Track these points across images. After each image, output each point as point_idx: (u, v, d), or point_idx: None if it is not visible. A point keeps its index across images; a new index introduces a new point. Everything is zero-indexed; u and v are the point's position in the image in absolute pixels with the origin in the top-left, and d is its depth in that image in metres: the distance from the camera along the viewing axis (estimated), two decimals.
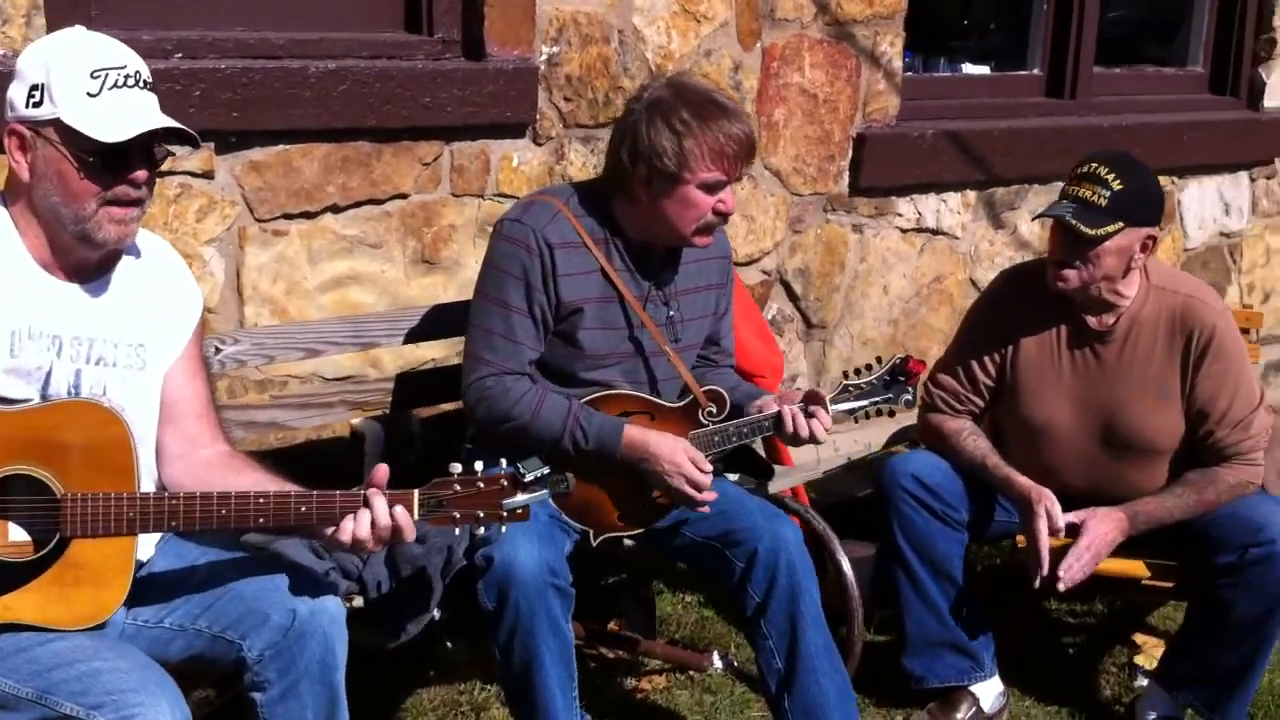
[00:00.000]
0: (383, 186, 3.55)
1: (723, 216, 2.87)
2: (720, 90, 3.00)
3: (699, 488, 2.80)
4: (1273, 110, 5.52)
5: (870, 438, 4.08)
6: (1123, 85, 5.29)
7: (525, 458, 2.32)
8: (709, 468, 2.82)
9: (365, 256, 3.55)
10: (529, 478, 2.30)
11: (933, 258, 4.68)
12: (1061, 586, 3.12)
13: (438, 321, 3.26)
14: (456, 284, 3.69)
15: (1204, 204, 5.44)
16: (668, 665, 3.48)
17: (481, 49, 3.62)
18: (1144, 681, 3.48)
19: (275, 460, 2.53)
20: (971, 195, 4.72)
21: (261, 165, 3.35)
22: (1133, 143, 4.55)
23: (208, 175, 3.28)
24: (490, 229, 3.68)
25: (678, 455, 2.80)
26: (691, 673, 3.44)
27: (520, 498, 2.30)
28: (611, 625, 3.56)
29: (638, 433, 2.81)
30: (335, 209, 3.48)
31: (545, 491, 2.33)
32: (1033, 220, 4.87)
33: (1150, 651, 3.60)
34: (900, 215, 4.56)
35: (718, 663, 3.47)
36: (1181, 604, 3.66)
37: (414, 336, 3.24)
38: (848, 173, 4.39)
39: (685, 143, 2.75)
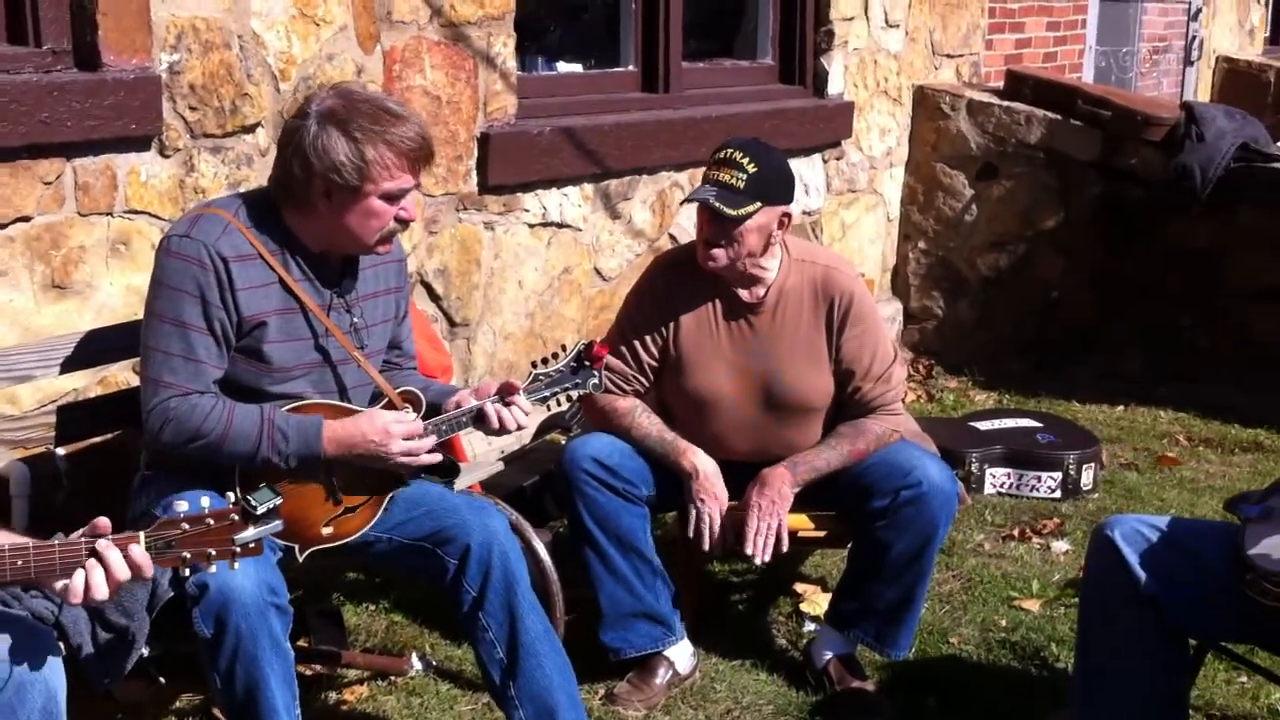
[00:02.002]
0: (3, 210, 3.29)
1: (404, 224, 2.86)
2: (390, 95, 2.99)
3: (417, 452, 2.80)
4: (835, 97, 6.04)
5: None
6: (707, 79, 5.62)
7: (252, 486, 2.25)
8: (413, 416, 2.82)
9: None
10: (260, 510, 2.24)
11: (560, 250, 4.83)
12: (759, 561, 3.34)
13: (92, 348, 3.08)
14: (92, 308, 3.48)
15: None
16: (366, 674, 3.43)
17: (96, 59, 3.42)
18: (812, 626, 3.75)
19: None
20: (589, 188, 4.90)
21: None
22: (723, 132, 4.84)
23: None
24: (122, 248, 3.53)
25: (377, 422, 2.78)
26: (392, 678, 3.41)
27: (251, 532, 2.23)
28: (301, 642, 3.46)
29: (337, 422, 2.77)
30: None
31: (278, 523, 2.27)
32: (680, 205, 5.13)
33: (811, 598, 3.88)
34: (527, 211, 4.67)
35: (417, 664, 3.45)
36: (831, 551, 4.01)
37: (70, 365, 3.04)
38: (475, 172, 4.46)
39: (366, 153, 2.72)
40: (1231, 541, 2.89)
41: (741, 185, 3.30)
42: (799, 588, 3.97)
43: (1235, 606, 2.83)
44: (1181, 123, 5.93)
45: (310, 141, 2.73)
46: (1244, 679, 3.51)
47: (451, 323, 4.48)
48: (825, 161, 6.09)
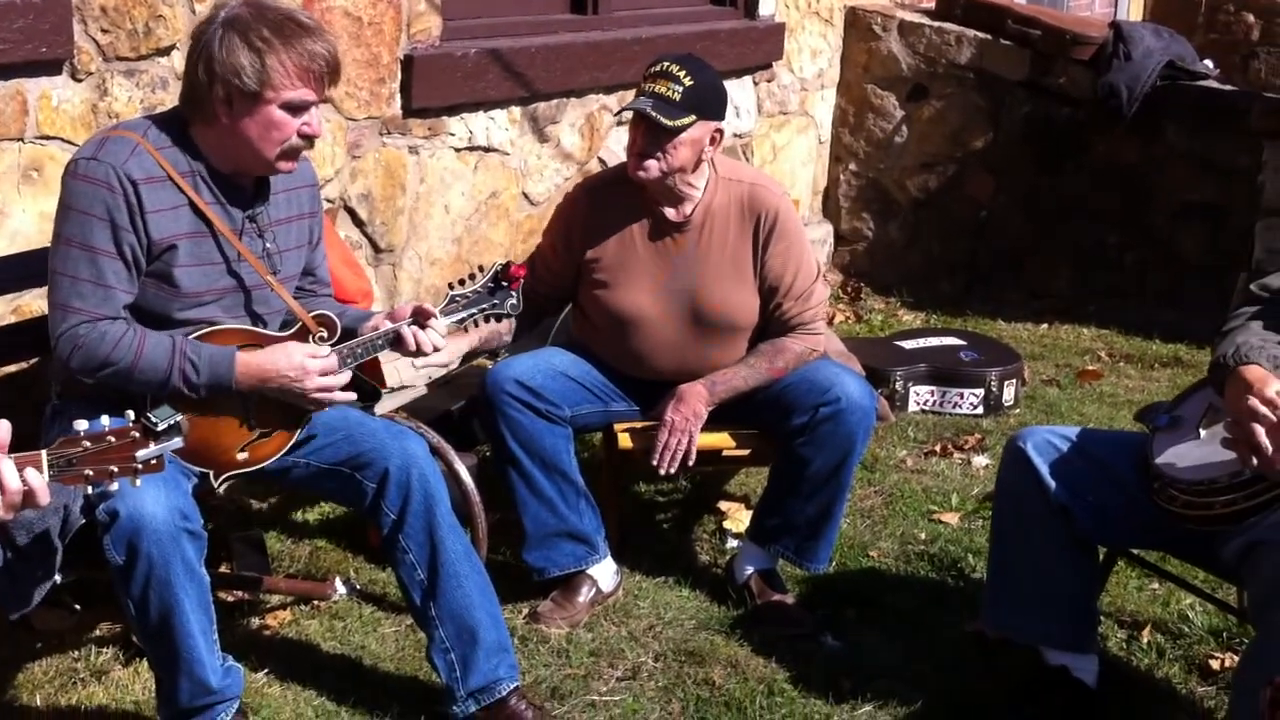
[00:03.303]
0: None
1: (308, 140, 2.82)
2: (302, 9, 2.95)
3: (331, 388, 2.80)
4: (766, 19, 6.01)
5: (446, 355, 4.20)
6: (636, 0, 5.57)
7: (154, 407, 2.24)
8: (329, 351, 2.82)
9: None
10: (161, 426, 2.22)
11: (487, 174, 4.80)
12: (664, 472, 3.39)
13: (3, 275, 3.06)
14: (4, 235, 3.43)
15: None
16: (290, 599, 3.45)
17: None
18: (734, 543, 3.80)
19: None
20: (516, 111, 4.86)
21: None
22: (652, 54, 4.76)
23: None
24: (34, 174, 3.48)
25: (294, 358, 2.77)
26: (316, 603, 3.43)
27: (152, 448, 2.21)
28: (223, 569, 3.48)
29: (250, 355, 2.76)
30: None
31: (179, 440, 2.25)
32: (615, 115, 5.09)
33: (734, 515, 3.93)
34: (453, 135, 4.63)
35: (341, 589, 3.47)
36: (754, 470, 4.05)
37: None
38: (399, 95, 4.41)
39: (267, 59, 2.68)
40: (1140, 451, 2.96)
41: (677, 97, 3.31)
42: (722, 505, 4.02)
43: (1143, 514, 2.91)
44: (1109, 42, 5.96)
45: (214, 46, 2.70)
46: (1155, 585, 3.60)
47: (376, 249, 4.45)
48: (756, 84, 6.07)
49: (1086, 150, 6.10)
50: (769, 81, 6.13)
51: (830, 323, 5.58)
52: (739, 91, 5.93)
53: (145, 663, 2.94)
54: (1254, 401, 2.64)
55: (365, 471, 2.92)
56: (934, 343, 5.18)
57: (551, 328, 4.14)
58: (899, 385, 4.89)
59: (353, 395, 2.88)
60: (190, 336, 2.77)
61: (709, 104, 3.36)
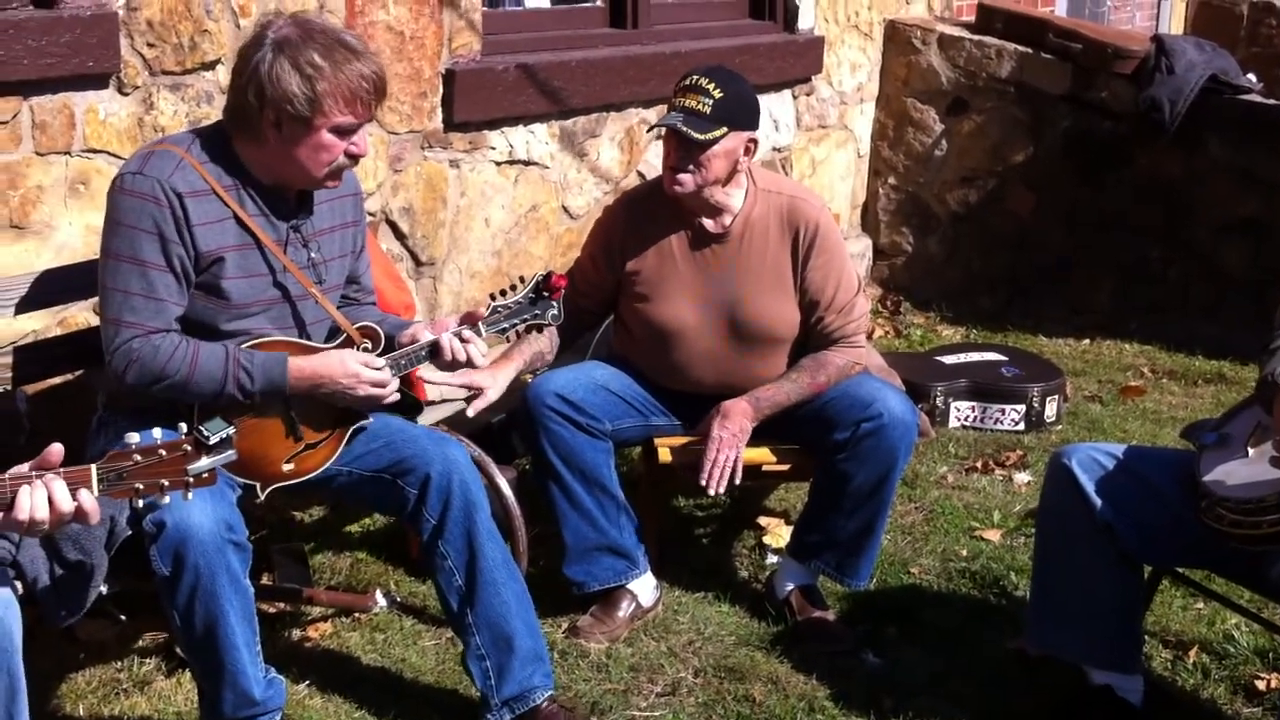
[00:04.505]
0: None
1: (354, 159, 2.85)
2: (348, 29, 2.96)
3: (382, 386, 2.83)
4: (805, 32, 6.00)
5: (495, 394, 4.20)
6: (676, 14, 5.58)
7: (207, 419, 2.25)
8: (383, 363, 2.84)
9: None
10: (213, 440, 2.23)
11: (527, 188, 4.81)
12: (713, 493, 3.38)
13: (49, 288, 3.08)
14: (51, 248, 3.47)
15: None
16: (331, 611, 3.46)
17: None
18: (773, 559, 3.79)
19: None
20: (556, 126, 4.87)
21: None
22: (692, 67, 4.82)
23: None
24: (81, 188, 3.52)
25: (349, 365, 2.80)
26: (357, 615, 3.44)
27: (204, 461, 2.22)
28: (265, 580, 3.49)
29: (304, 360, 2.79)
30: None
31: (231, 453, 2.26)
32: (647, 132, 5.11)
33: (774, 531, 3.92)
34: (494, 149, 4.65)
35: (381, 601, 3.48)
36: (794, 485, 4.04)
37: (26, 305, 3.04)
38: (440, 109, 4.43)
39: (318, 86, 2.70)
40: (1186, 469, 2.93)
41: (708, 111, 3.31)
42: (762, 521, 4.00)
43: (1189, 532, 2.88)
44: (1151, 55, 5.91)
45: (264, 70, 2.72)
46: (1200, 605, 3.56)
47: (417, 261, 4.47)
48: (795, 97, 6.06)
49: (1128, 164, 6.05)
50: (808, 95, 6.12)
51: (870, 337, 5.55)
52: (778, 105, 5.93)
53: (188, 674, 2.96)
54: None
55: (407, 478, 2.93)
56: (975, 358, 5.15)
57: (591, 342, 4.15)
58: (940, 401, 4.86)
59: (398, 396, 2.90)
60: (242, 346, 2.79)
61: (740, 115, 3.36)
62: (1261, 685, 3.23)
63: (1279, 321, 2.94)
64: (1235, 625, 3.46)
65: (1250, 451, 2.85)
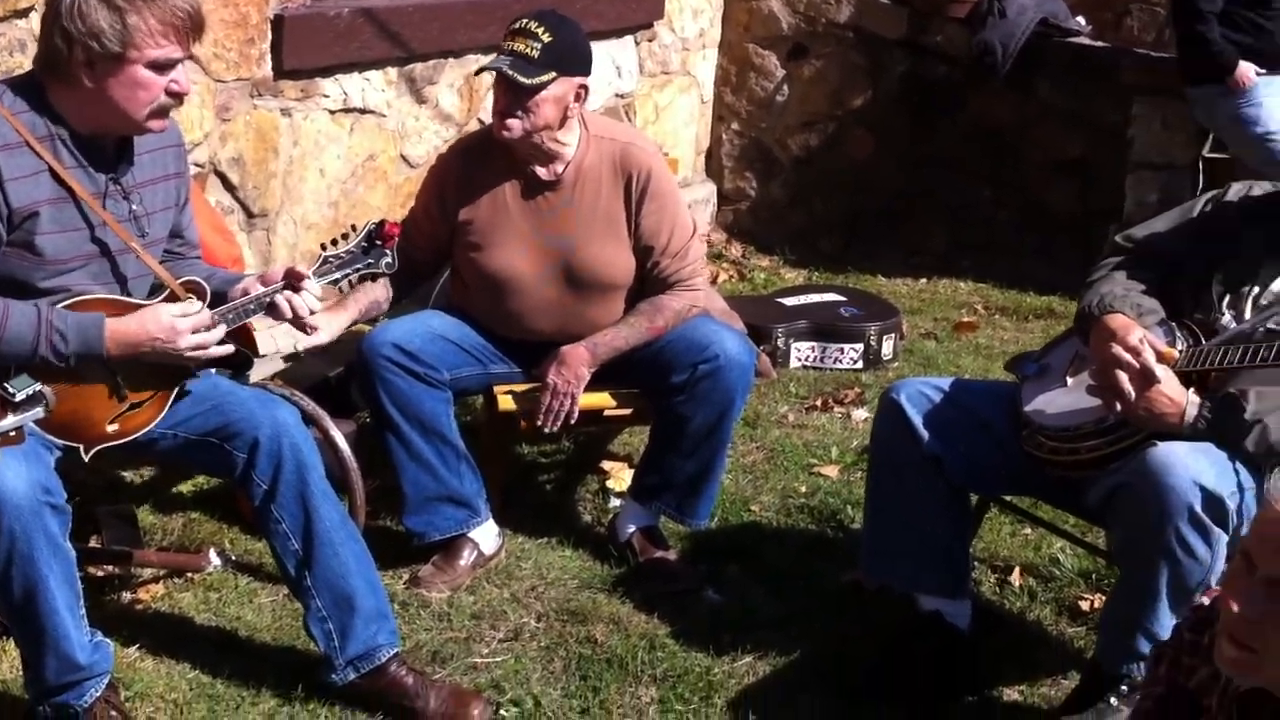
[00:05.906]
0: None
1: (177, 98, 2.75)
2: None
3: (207, 344, 2.74)
4: None
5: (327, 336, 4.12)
6: None
7: (12, 376, 2.18)
8: (200, 307, 2.76)
9: None
10: (19, 396, 2.17)
11: (363, 137, 4.73)
12: (547, 429, 3.39)
13: None
14: None
15: (598, 68, 5.79)
16: (163, 572, 3.38)
17: None
18: (616, 502, 3.81)
19: None
20: (393, 72, 4.79)
21: None
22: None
23: None
24: None
25: (163, 319, 2.70)
26: (190, 575, 3.37)
27: (10, 420, 2.16)
28: (93, 542, 3.40)
29: (119, 320, 2.69)
30: None
31: (40, 410, 2.19)
32: (475, 74, 5.03)
33: (617, 475, 3.93)
34: (327, 96, 4.56)
35: (215, 560, 3.40)
36: (637, 429, 4.06)
37: None
38: (270, 56, 4.32)
39: (128, 18, 2.60)
40: (1011, 400, 3.02)
41: (536, 54, 3.28)
42: (605, 465, 4.02)
43: (1014, 462, 2.97)
44: None
45: (71, 8, 2.61)
46: (1027, 530, 3.68)
47: (249, 214, 4.37)
48: (638, 43, 6.05)
49: (962, 108, 6.18)
50: (650, 41, 6.11)
51: (714, 282, 5.60)
52: (620, 51, 5.91)
53: (11, 642, 2.86)
54: (1117, 349, 2.71)
55: (234, 441, 2.86)
56: (815, 299, 5.23)
57: (431, 292, 4.11)
58: (781, 342, 4.93)
59: (230, 347, 2.82)
60: (56, 306, 2.69)
61: (570, 60, 3.33)
62: (1085, 605, 3.36)
63: (1102, 256, 3.04)
64: (1060, 549, 3.58)
65: (1069, 381, 2.95)
